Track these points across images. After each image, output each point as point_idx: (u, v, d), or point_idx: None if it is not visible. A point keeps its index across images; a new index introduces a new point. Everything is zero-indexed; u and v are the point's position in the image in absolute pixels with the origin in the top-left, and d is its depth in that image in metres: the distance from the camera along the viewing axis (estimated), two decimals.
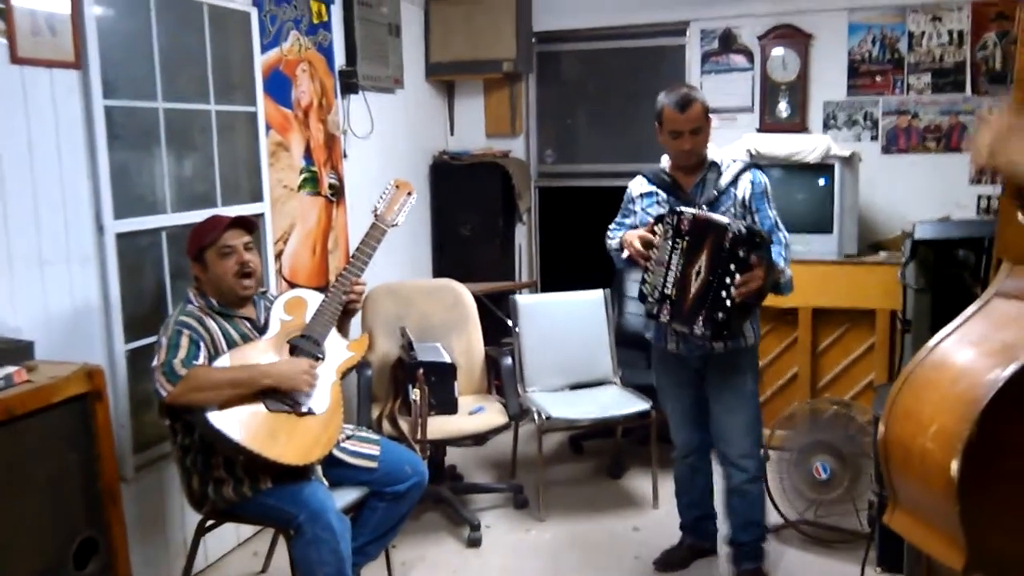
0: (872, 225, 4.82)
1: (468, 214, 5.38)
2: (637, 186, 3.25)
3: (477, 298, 4.36)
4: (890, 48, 4.91)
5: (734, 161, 3.17)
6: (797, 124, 5.02)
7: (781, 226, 3.11)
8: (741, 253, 2.80)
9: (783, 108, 5.10)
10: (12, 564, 2.32)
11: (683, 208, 2.96)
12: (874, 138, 4.97)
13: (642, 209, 3.19)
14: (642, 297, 3.05)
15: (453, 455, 4.36)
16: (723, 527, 3.44)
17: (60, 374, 2.48)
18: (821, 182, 4.46)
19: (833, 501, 3.62)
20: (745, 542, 3.31)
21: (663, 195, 3.16)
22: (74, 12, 2.84)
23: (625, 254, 3.07)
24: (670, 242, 2.94)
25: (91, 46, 2.90)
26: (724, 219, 2.88)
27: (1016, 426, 1.43)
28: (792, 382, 4.60)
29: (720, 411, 3.22)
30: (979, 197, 4.71)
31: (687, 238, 2.91)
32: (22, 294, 2.72)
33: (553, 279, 5.65)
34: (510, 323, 4.38)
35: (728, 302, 2.82)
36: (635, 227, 3.16)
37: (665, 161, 3.28)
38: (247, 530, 3.68)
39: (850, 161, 4.49)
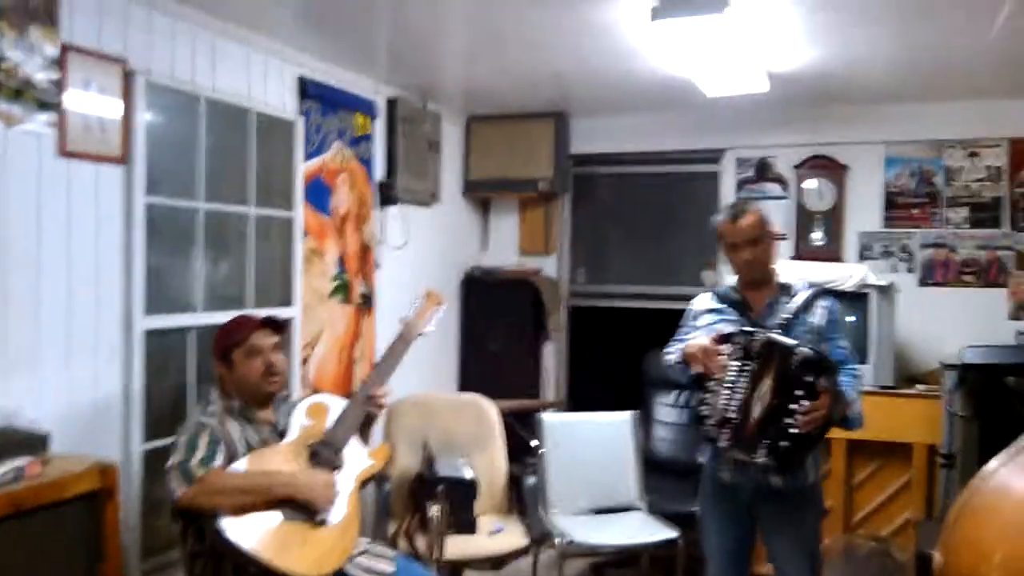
0: (908, 358, 4.71)
1: (497, 330, 5.36)
2: (702, 302, 3.13)
3: (502, 415, 4.28)
4: (927, 182, 4.92)
5: (806, 285, 3.05)
6: (832, 253, 5.00)
7: (854, 358, 2.97)
8: (808, 378, 2.68)
9: (818, 237, 5.09)
10: None
11: (756, 330, 2.84)
12: (911, 270, 4.92)
13: (706, 326, 3.04)
14: (699, 419, 2.90)
15: None
16: None
17: (73, 469, 2.44)
18: (856, 312, 4.38)
19: None
20: None
21: (732, 314, 3.04)
22: (126, 111, 2.91)
23: (694, 369, 2.91)
24: (737, 363, 2.81)
25: (138, 144, 2.97)
26: (791, 341, 2.77)
27: None
28: (824, 516, 4.41)
29: (778, 551, 3.03)
30: (1017, 333, 4.61)
31: (756, 361, 2.78)
32: (46, 385, 2.70)
33: (581, 399, 5.56)
34: (534, 443, 4.27)
35: (793, 430, 2.69)
36: None
37: (732, 280, 3.15)
38: None
39: (886, 291, 4.44)
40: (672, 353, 3.09)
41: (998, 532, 1.41)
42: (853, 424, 2.89)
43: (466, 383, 5.32)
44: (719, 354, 2.84)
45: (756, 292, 3.05)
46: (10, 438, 2.37)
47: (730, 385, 2.81)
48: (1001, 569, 1.37)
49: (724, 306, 3.07)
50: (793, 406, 2.68)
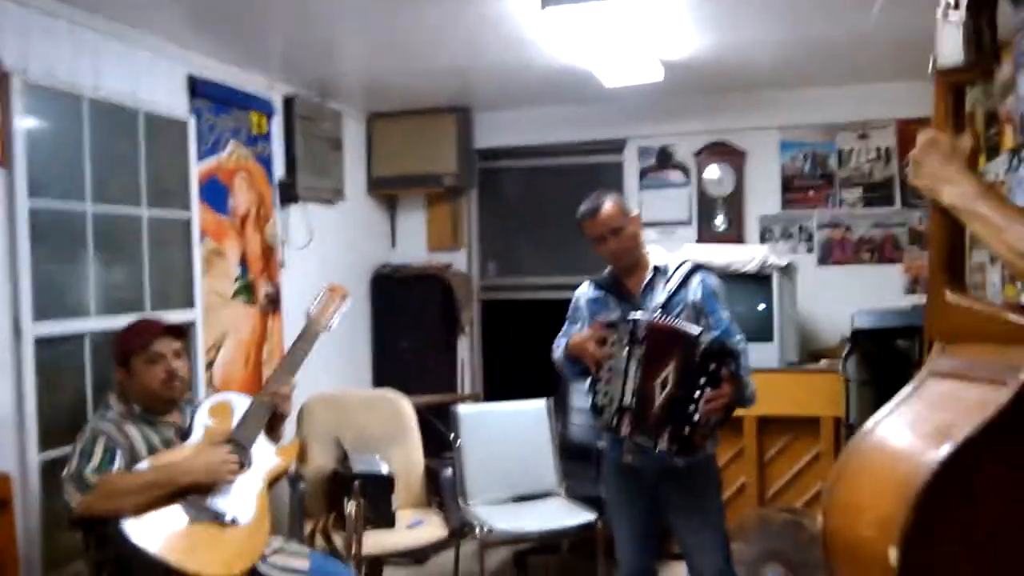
0: (812, 335, 4.86)
1: (409, 326, 5.33)
2: (584, 291, 3.17)
3: (418, 411, 4.26)
4: (821, 164, 5.08)
5: (681, 263, 3.10)
6: (734, 236, 5.12)
7: (736, 329, 3.00)
8: (711, 367, 2.71)
9: (720, 221, 5.20)
10: None
11: (638, 315, 2.87)
12: (810, 250, 5.07)
13: (591, 315, 3.09)
14: (597, 409, 2.91)
15: (391, 575, 4.16)
16: None
17: None
18: (760, 293, 4.49)
19: None
20: None
21: (613, 301, 3.07)
22: (3, 113, 2.80)
23: (584, 361, 2.93)
24: (626, 349, 2.83)
25: (17, 146, 2.86)
26: (694, 329, 2.79)
27: (956, 511, 1.37)
28: (740, 493, 4.51)
29: (687, 531, 3.07)
30: (914, 307, 4.79)
31: (645, 345, 2.80)
32: None
33: (496, 392, 5.56)
34: (451, 436, 4.26)
35: (696, 417, 2.71)
36: None
37: (610, 269, 3.18)
38: None
39: (787, 271, 4.56)
40: (559, 350, 3.11)
41: (872, 491, 1.45)
42: (748, 403, 2.94)
43: (380, 381, 5.26)
44: (603, 342, 2.88)
45: (632, 277, 3.09)
46: None
47: (622, 372, 2.83)
48: (875, 527, 1.41)
49: (604, 293, 3.12)
50: (696, 394, 2.71)
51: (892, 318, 3.69)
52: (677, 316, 2.92)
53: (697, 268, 3.08)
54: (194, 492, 2.60)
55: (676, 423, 2.73)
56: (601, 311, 3.06)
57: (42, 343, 2.96)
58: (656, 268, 3.07)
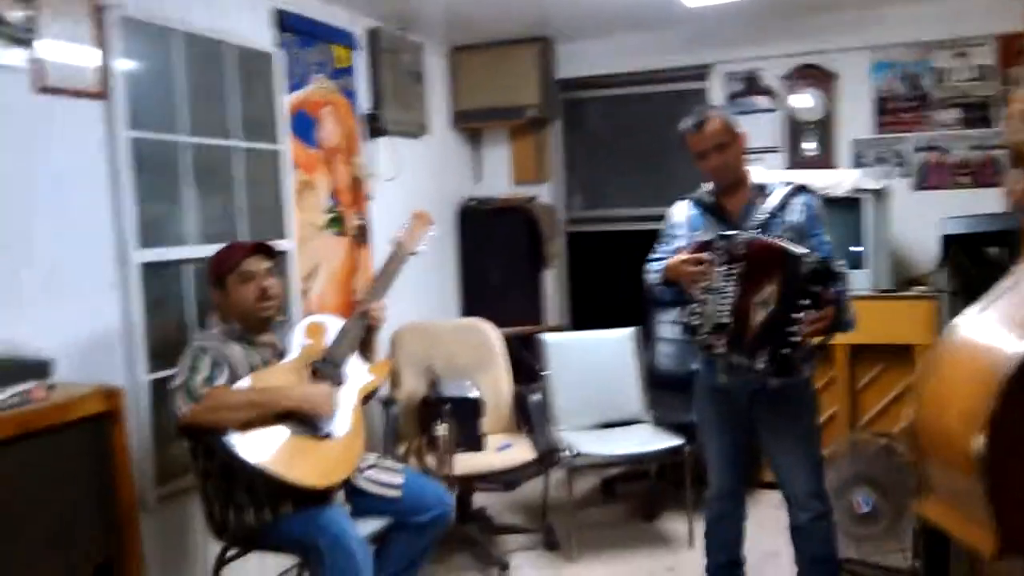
0: (907, 262, 4.72)
1: (496, 259, 5.38)
2: (680, 211, 3.12)
3: (505, 341, 4.31)
4: (916, 85, 4.89)
5: (782, 184, 3.02)
6: (824, 162, 4.99)
7: (837, 253, 2.92)
8: (815, 288, 2.66)
9: (810, 147, 5.07)
10: None
11: (736, 232, 2.83)
12: (905, 175, 4.91)
13: (687, 233, 3.04)
14: (692, 328, 2.89)
15: (482, 500, 4.27)
16: (791, 565, 3.25)
17: (77, 393, 2.47)
18: (851, 217, 4.38)
19: (875, 537, 3.47)
20: None
21: (711, 219, 3.02)
22: (101, 46, 2.90)
23: (680, 284, 2.89)
24: (723, 267, 2.80)
25: (116, 79, 2.96)
26: (799, 249, 2.72)
27: None
28: (831, 422, 4.45)
29: (779, 451, 3.05)
30: (1007, 213, 4.59)
31: (744, 263, 2.77)
32: (46, 321, 2.72)
33: (582, 324, 5.58)
34: (538, 364, 4.31)
35: (796, 338, 2.66)
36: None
37: (706, 187, 3.11)
38: (271, 571, 3.60)
39: (880, 195, 4.43)
40: (653, 273, 3.06)
41: (959, 383, 1.44)
42: (848, 328, 2.86)
43: (468, 313, 5.34)
44: (700, 262, 2.84)
45: (731, 196, 3.03)
46: (13, 365, 2.40)
47: (719, 291, 2.80)
48: (960, 418, 1.40)
49: (701, 212, 3.07)
50: (797, 315, 2.66)
51: (984, 223, 3.51)
52: (776, 237, 2.84)
53: (800, 189, 3.00)
54: (294, 417, 2.71)
55: (775, 343, 2.68)
56: (698, 229, 3.02)
57: (146, 269, 3.08)
58: (758, 187, 3.02)
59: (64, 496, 2.40)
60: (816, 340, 2.72)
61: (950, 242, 3.39)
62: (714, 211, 3.02)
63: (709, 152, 2.93)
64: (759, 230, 2.88)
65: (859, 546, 3.49)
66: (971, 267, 3.04)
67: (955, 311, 3.40)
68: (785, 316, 2.68)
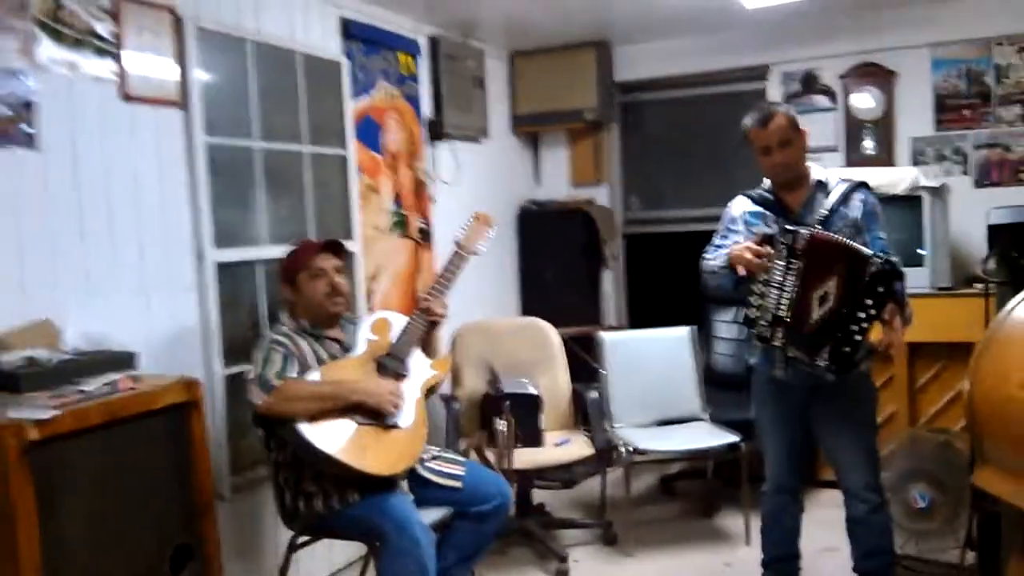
0: (967, 259, 4.69)
1: (554, 260, 5.47)
2: (739, 206, 3.16)
3: (563, 341, 4.40)
4: (977, 81, 4.86)
5: (841, 180, 3.07)
6: (884, 160, 4.98)
7: (892, 249, 2.95)
8: (880, 289, 2.72)
9: (869, 145, 5.07)
10: (110, 565, 2.43)
11: (798, 227, 2.87)
12: (965, 172, 4.88)
13: (746, 229, 3.08)
14: (749, 323, 2.94)
15: (542, 496, 4.36)
16: (848, 560, 3.30)
17: (161, 384, 2.62)
18: (910, 215, 4.37)
19: (931, 533, 3.47)
20: (870, 570, 3.16)
21: (771, 216, 3.06)
22: (180, 56, 3.07)
23: (741, 271, 2.92)
24: (783, 262, 2.84)
25: (194, 87, 3.13)
26: (866, 250, 2.79)
27: None
28: (890, 421, 4.45)
29: (837, 443, 3.10)
30: None
31: (804, 258, 2.82)
32: (127, 318, 2.89)
33: (640, 324, 5.63)
34: (596, 366, 4.38)
35: (859, 337, 2.73)
36: None
37: (767, 183, 3.16)
38: (339, 559, 3.74)
39: (939, 192, 4.42)
40: (713, 259, 3.10)
41: (1016, 358, 1.50)
42: (906, 324, 2.90)
43: (527, 313, 5.43)
44: (761, 255, 2.88)
45: (792, 192, 3.08)
46: (102, 357, 2.58)
47: (779, 284, 2.85)
48: (1021, 387, 1.46)
49: (761, 208, 3.12)
50: (861, 314, 2.72)
51: None
52: (835, 232, 2.89)
53: (859, 186, 3.04)
54: (361, 409, 2.83)
55: (837, 341, 2.75)
56: (758, 225, 3.06)
57: (221, 269, 3.25)
58: (818, 183, 3.06)
59: (148, 481, 2.56)
60: (885, 345, 2.78)
61: (997, 231, 3.40)
62: (774, 207, 3.07)
63: (773, 148, 2.98)
64: (820, 225, 2.93)
65: (916, 542, 3.50)
66: (1019, 256, 3.04)
67: (1003, 300, 3.41)
68: (848, 314, 2.73)
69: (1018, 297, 1.55)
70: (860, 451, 3.07)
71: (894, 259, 2.83)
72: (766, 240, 2.92)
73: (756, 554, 3.46)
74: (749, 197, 3.15)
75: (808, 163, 3.09)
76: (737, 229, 3.13)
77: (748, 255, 2.90)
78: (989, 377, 1.53)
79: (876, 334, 2.83)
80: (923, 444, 3.63)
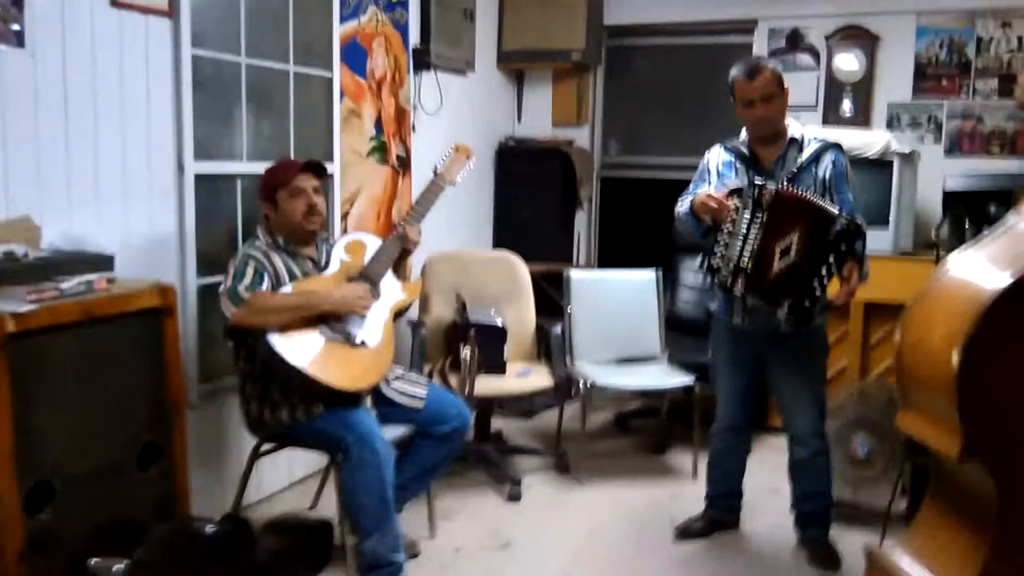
0: (929, 225, 4.80)
1: (530, 197, 5.54)
2: (715, 155, 3.27)
3: (533, 277, 4.49)
4: (958, 52, 4.94)
5: (815, 140, 3.17)
6: (860, 123, 5.07)
7: (859, 210, 3.07)
8: (843, 247, 2.85)
9: (847, 107, 5.16)
10: (81, 457, 2.52)
11: (766, 182, 2.97)
12: (937, 140, 4.99)
13: (719, 178, 3.20)
14: (712, 271, 3.06)
15: (500, 425, 4.50)
16: (787, 500, 3.47)
17: (136, 287, 2.70)
18: (880, 178, 4.48)
19: (869, 480, 3.65)
20: (809, 511, 3.36)
21: (742, 167, 3.18)
22: None
23: (705, 218, 3.06)
24: (748, 214, 2.95)
25: None
26: (832, 209, 2.90)
27: (1016, 326, 1.52)
28: (841, 375, 4.61)
29: (787, 390, 3.28)
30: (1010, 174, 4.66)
31: (768, 212, 2.93)
32: (106, 221, 2.95)
33: (610, 266, 5.75)
34: (563, 304, 4.48)
35: (819, 292, 2.87)
36: None
37: (744, 135, 3.27)
38: (299, 470, 3.87)
39: (910, 158, 4.53)
40: (681, 203, 3.25)
41: (945, 310, 1.62)
42: (862, 280, 3.04)
43: (499, 247, 5.52)
44: (722, 206, 2.99)
45: (767, 147, 3.19)
46: (79, 258, 2.65)
47: (743, 235, 2.97)
48: (943, 338, 1.57)
49: (735, 158, 3.22)
50: (823, 270, 2.86)
51: (985, 180, 3.64)
52: (803, 189, 3.01)
53: (831, 146, 3.15)
54: (331, 318, 2.92)
55: (798, 294, 2.89)
56: (729, 175, 3.18)
57: (200, 180, 3.29)
58: (792, 139, 3.16)
59: (121, 380, 2.65)
60: (841, 301, 2.92)
61: (952, 198, 3.52)
62: (747, 159, 3.17)
63: (756, 102, 3.08)
64: (789, 181, 3.04)
65: (853, 489, 3.68)
66: (970, 223, 3.17)
67: None
68: (810, 269, 2.87)
69: (952, 257, 1.67)
70: (808, 399, 3.24)
71: (859, 220, 2.96)
72: (734, 192, 3.02)
73: (702, 489, 3.64)
74: (725, 147, 3.26)
75: (786, 120, 3.19)
76: (709, 179, 3.25)
77: (712, 203, 3.02)
78: (918, 328, 1.64)
79: (834, 289, 2.97)
80: (871, 396, 3.79)
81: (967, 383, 1.48)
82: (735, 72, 3.12)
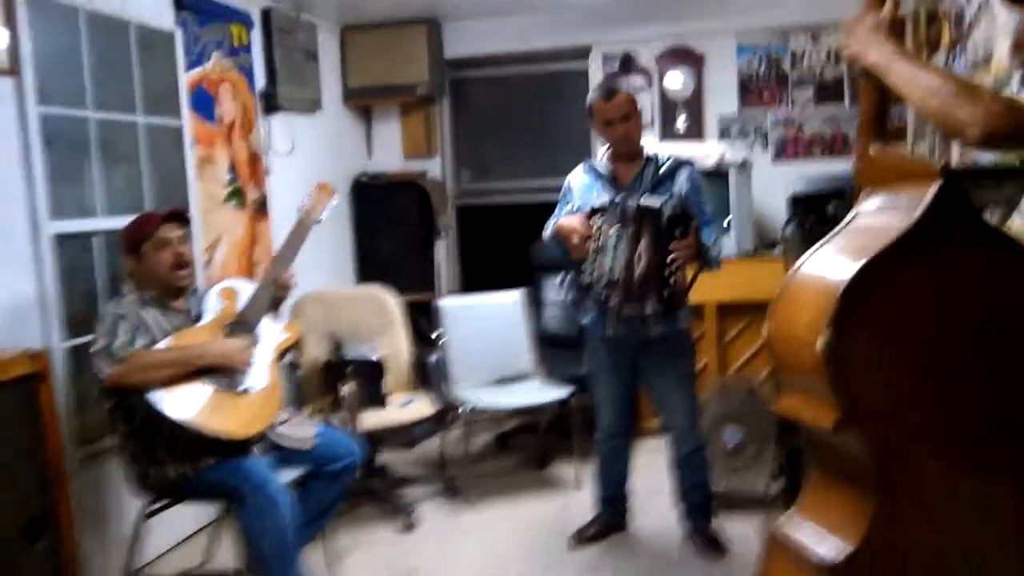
0: (767, 226, 5.18)
1: (389, 231, 5.59)
2: (576, 177, 3.46)
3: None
4: (775, 66, 5.34)
5: (670, 156, 3.41)
6: (694, 136, 5.39)
7: (716, 219, 3.40)
8: (677, 232, 3.08)
9: (681, 123, 5.47)
10: None
11: (627, 199, 3.19)
12: (765, 148, 5.37)
13: (579, 197, 3.39)
14: (585, 286, 3.23)
15: (383, 458, 4.50)
16: (670, 498, 3.64)
17: (6, 356, 2.59)
18: (718, 187, 4.78)
19: (741, 469, 3.89)
20: (693, 504, 3.55)
21: (603, 185, 3.36)
22: (9, 22, 2.99)
23: (575, 241, 3.20)
24: (615, 230, 3.16)
25: (25, 55, 3.05)
26: (657, 202, 3.15)
27: (875, 308, 1.71)
28: (702, 372, 4.86)
29: (663, 391, 3.47)
30: (845, 175, 5.06)
31: (632, 226, 3.14)
32: None
33: (473, 291, 5.86)
34: (435, 332, 4.54)
35: (672, 277, 3.09)
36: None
37: (602, 154, 3.49)
38: (188, 526, 3.76)
39: (743, 167, 4.86)
40: (548, 228, 3.43)
41: (805, 301, 1.79)
42: (714, 264, 3.30)
43: (363, 282, 5.54)
44: (589, 231, 3.18)
45: (625, 165, 3.40)
46: None
47: (612, 250, 3.17)
48: (807, 326, 1.75)
49: (595, 178, 3.41)
50: (669, 258, 3.09)
51: (824, 183, 4.01)
52: (662, 204, 3.20)
53: (684, 163, 3.40)
54: (214, 372, 2.89)
55: (657, 285, 3.10)
56: (590, 194, 3.36)
57: (58, 240, 3.19)
58: (648, 158, 3.38)
59: None
60: (689, 272, 3.15)
61: (796, 201, 3.86)
62: (606, 178, 3.36)
63: (615, 121, 3.29)
64: (645, 194, 3.24)
65: (729, 478, 3.90)
66: (814, 222, 3.48)
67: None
68: (660, 260, 3.11)
69: (807, 254, 1.86)
70: (682, 397, 3.45)
71: (716, 222, 3.32)
72: (596, 212, 3.21)
73: (587, 497, 3.78)
74: (585, 169, 3.46)
75: (642, 140, 3.42)
76: (570, 199, 3.43)
77: (574, 237, 3.21)
78: (783, 318, 1.82)
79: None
80: (731, 391, 4.04)
81: (834, 363, 1.65)
82: (593, 96, 3.34)
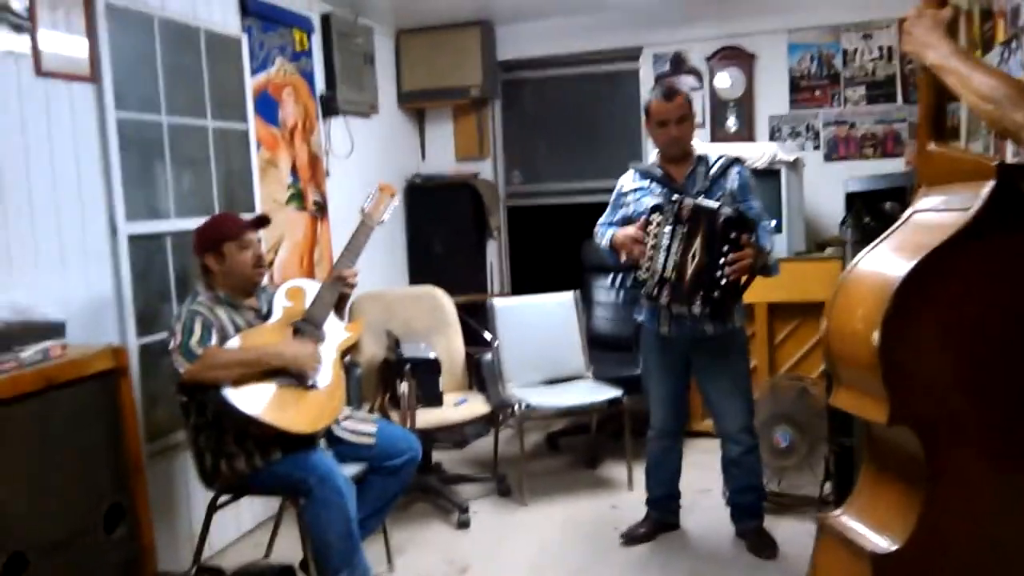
0: (818, 226, 5.19)
1: (441, 233, 5.69)
2: (628, 181, 3.52)
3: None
4: (827, 65, 5.34)
5: (720, 156, 3.46)
6: (745, 137, 5.42)
7: (765, 214, 3.39)
8: (733, 235, 3.09)
9: (732, 123, 5.50)
10: (46, 526, 2.52)
11: (681, 197, 3.22)
12: (816, 147, 5.37)
13: (634, 201, 3.44)
14: (639, 284, 3.28)
15: (436, 457, 4.59)
16: (719, 498, 3.69)
17: (90, 351, 2.72)
18: (770, 187, 4.80)
19: (792, 469, 3.91)
20: (744, 504, 3.59)
21: (656, 187, 3.41)
22: (90, 32, 3.12)
23: (622, 257, 3.30)
24: (669, 228, 3.18)
25: (104, 62, 3.18)
26: (714, 204, 3.17)
27: (930, 304, 1.76)
28: (752, 373, 4.85)
29: (716, 392, 3.50)
30: (902, 173, 5.05)
31: (687, 225, 3.16)
32: (46, 288, 2.94)
33: (522, 292, 5.93)
34: (486, 333, 4.62)
35: (723, 280, 3.09)
36: (627, 219, 3.42)
37: (653, 157, 3.54)
38: (247, 522, 3.88)
39: (794, 166, 4.87)
40: (602, 237, 3.49)
41: (862, 296, 1.85)
42: (771, 271, 3.33)
43: (415, 283, 5.64)
44: (642, 241, 3.23)
45: (677, 166, 3.45)
46: (31, 327, 2.64)
47: (666, 249, 3.20)
48: (862, 321, 1.80)
49: (648, 182, 3.46)
50: (721, 260, 3.10)
51: (882, 181, 4.02)
52: (714, 200, 3.25)
53: (735, 161, 3.45)
54: (282, 372, 2.99)
55: (707, 287, 3.12)
56: (645, 196, 3.41)
57: (133, 241, 3.32)
58: (699, 158, 3.43)
59: (81, 443, 2.66)
60: (739, 276, 3.15)
61: (852, 199, 3.88)
62: (660, 179, 3.41)
63: (671, 122, 3.35)
64: (701, 195, 3.29)
65: (780, 479, 3.93)
66: (870, 220, 3.50)
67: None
68: (711, 262, 3.12)
69: (864, 251, 1.91)
70: (736, 398, 3.48)
71: (770, 221, 3.30)
72: (654, 210, 3.25)
73: (639, 497, 3.83)
74: (637, 171, 3.50)
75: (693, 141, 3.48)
76: (624, 202, 3.48)
77: (627, 244, 3.26)
78: (840, 313, 1.88)
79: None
80: (783, 391, 4.07)
81: (888, 357, 1.70)
82: (652, 95, 3.40)
